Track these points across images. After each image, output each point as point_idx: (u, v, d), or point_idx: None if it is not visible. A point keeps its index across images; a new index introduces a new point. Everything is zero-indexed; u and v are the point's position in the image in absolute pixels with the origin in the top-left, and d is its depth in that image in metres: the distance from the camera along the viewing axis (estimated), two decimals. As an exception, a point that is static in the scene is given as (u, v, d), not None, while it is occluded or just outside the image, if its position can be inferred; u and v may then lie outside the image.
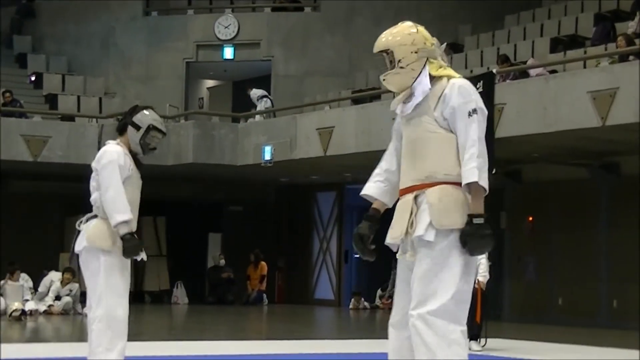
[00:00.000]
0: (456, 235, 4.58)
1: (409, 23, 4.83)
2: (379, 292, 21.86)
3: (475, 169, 4.54)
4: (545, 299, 17.56)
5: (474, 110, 4.63)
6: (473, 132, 4.60)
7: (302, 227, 23.74)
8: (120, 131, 6.74)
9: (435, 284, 4.56)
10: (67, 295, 17.88)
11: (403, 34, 4.76)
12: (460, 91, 4.66)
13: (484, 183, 4.56)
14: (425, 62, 4.74)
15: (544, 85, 14.14)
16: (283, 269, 24.02)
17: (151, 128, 6.65)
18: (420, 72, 4.73)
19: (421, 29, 4.80)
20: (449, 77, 4.73)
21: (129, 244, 6.42)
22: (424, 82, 4.72)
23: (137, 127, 6.64)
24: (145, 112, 6.74)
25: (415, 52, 4.72)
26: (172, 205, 22.42)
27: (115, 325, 6.43)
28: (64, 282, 17.90)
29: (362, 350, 11.52)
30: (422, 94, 4.71)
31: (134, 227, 6.54)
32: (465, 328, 4.60)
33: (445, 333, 4.52)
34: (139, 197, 6.75)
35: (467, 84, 4.72)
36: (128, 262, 6.59)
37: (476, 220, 4.55)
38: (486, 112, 4.70)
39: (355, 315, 20.54)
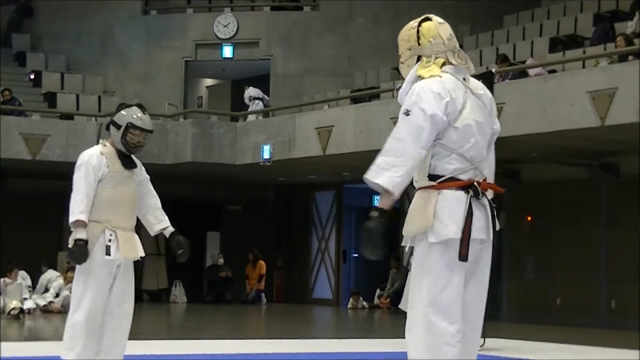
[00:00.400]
0: (427, 241, 4.45)
1: (419, 18, 4.72)
2: (377, 291, 21.85)
3: (373, 166, 4.39)
4: (543, 298, 17.54)
5: (407, 111, 4.44)
6: (394, 130, 4.44)
7: (301, 227, 23.73)
8: (108, 130, 6.78)
9: (412, 292, 4.53)
10: (68, 291, 17.87)
11: (404, 30, 4.72)
12: (409, 94, 4.52)
13: (381, 181, 4.34)
14: (418, 60, 4.65)
15: (543, 85, 14.13)
16: (281, 268, 24.01)
17: (129, 126, 6.62)
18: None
19: (427, 24, 4.66)
20: (422, 78, 4.57)
21: (73, 249, 6.43)
22: (404, 82, 4.65)
23: (118, 126, 6.65)
24: (127, 109, 6.72)
25: (409, 50, 4.68)
26: (170, 204, 22.26)
27: (73, 327, 6.49)
28: (66, 280, 17.86)
29: (361, 349, 11.51)
30: (402, 93, 4.64)
31: (121, 231, 6.54)
32: (442, 335, 4.39)
33: (419, 345, 4.43)
34: (130, 196, 6.70)
35: (417, 86, 4.50)
36: (106, 265, 6.52)
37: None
38: (429, 110, 4.41)
39: (353, 314, 20.55)
